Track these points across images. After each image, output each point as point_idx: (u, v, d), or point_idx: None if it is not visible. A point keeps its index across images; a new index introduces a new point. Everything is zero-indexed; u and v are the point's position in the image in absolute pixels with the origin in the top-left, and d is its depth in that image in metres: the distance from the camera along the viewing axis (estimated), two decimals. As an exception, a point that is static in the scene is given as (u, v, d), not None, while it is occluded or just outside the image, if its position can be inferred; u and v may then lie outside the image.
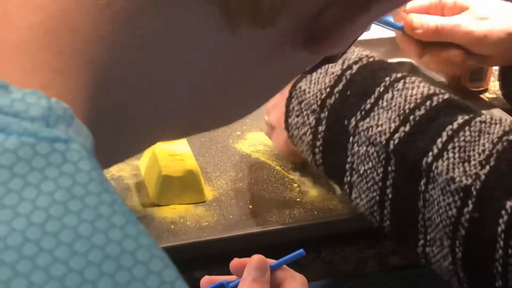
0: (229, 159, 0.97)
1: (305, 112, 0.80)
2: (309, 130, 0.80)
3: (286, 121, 0.83)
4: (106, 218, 0.27)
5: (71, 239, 0.26)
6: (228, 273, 0.78)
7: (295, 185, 0.92)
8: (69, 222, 0.26)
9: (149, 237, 0.27)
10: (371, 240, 0.84)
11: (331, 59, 0.38)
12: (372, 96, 0.76)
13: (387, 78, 0.77)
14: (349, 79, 0.78)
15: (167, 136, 0.39)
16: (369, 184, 0.74)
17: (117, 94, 0.32)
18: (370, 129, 0.74)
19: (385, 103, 0.75)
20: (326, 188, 0.91)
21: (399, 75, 0.78)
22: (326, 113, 0.78)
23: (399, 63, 1.19)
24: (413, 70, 1.17)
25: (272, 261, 0.70)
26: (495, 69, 1.23)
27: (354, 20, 0.34)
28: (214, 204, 0.87)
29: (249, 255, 0.79)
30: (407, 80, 0.77)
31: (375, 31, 1.29)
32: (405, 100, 0.75)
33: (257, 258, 0.69)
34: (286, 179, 0.93)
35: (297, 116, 0.81)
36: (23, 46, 0.29)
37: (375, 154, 0.73)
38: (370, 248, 0.84)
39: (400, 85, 0.76)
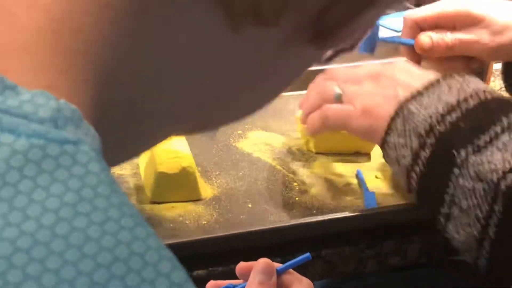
0: (230, 158, 0.96)
1: (408, 134, 0.77)
2: (410, 153, 0.77)
3: (384, 139, 0.80)
4: (115, 220, 0.27)
5: (80, 241, 0.26)
6: (228, 271, 0.78)
7: (295, 184, 0.92)
8: (78, 224, 0.26)
9: (157, 239, 0.27)
10: (371, 240, 0.84)
11: (344, 50, 0.38)
12: (487, 134, 0.74)
13: (504, 119, 0.74)
14: (464, 112, 0.76)
15: (176, 132, 0.39)
16: (471, 220, 0.72)
17: (123, 94, 0.32)
18: (482, 165, 0.72)
19: (500, 144, 0.73)
20: (326, 188, 0.91)
21: None
22: (433, 139, 0.75)
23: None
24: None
25: (278, 265, 0.70)
26: (495, 68, 1.23)
27: (361, 15, 0.34)
28: (213, 202, 0.87)
29: (248, 254, 0.79)
30: None
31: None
32: None
33: (263, 261, 0.69)
34: (286, 178, 0.93)
35: (399, 136, 0.78)
36: (30, 46, 0.29)
37: (482, 191, 0.71)
38: (370, 248, 0.84)
39: None
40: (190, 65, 0.33)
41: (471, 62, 1.03)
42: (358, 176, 0.92)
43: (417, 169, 0.76)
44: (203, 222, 0.83)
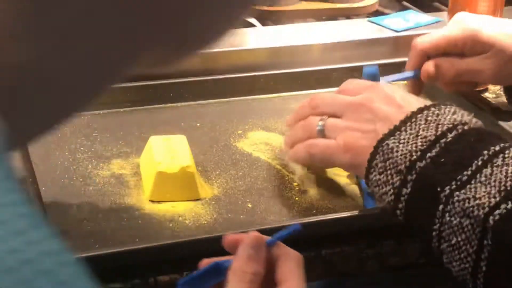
0: (230, 158, 0.96)
1: (389, 171, 0.77)
2: (391, 190, 0.77)
3: (366, 177, 0.80)
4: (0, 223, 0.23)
5: None
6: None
7: (294, 184, 0.91)
8: None
9: (57, 242, 0.24)
10: (371, 240, 0.84)
11: None
12: (469, 169, 0.73)
13: (485, 152, 0.74)
14: (444, 147, 0.76)
15: (126, 73, 0.33)
16: (462, 255, 0.73)
17: (15, 56, 0.28)
18: (467, 201, 0.72)
19: (483, 178, 0.73)
20: (326, 188, 0.91)
21: (497, 148, 0.75)
22: (414, 176, 0.75)
23: (402, 63, 1.19)
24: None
25: (268, 238, 0.67)
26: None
27: None
28: (213, 202, 0.87)
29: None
30: (506, 154, 0.75)
31: (375, 31, 1.29)
32: (506, 177, 0.73)
33: (252, 235, 0.66)
34: (286, 178, 0.93)
35: (380, 173, 0.78)
36: None
37: (469, 226, 0.72)
38: (370, 248, 0.84)
39: (499, 160, 0.74)
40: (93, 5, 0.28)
41: (478, 84, 1.04)
42: (358, 176, 0.92)
43: (400, 205, 0.77)
44: (203, 222, 0.83)
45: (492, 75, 0.98)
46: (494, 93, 1.17)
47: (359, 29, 1.29)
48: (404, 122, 0.78)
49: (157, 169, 0.86)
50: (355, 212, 0.85)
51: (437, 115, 0.79)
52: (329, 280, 0.89)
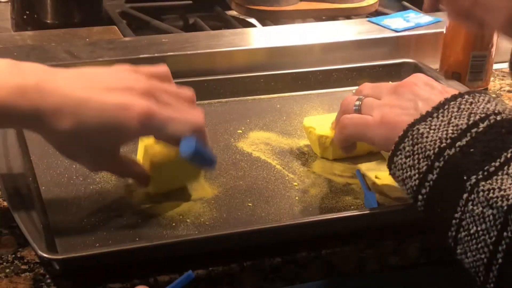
0: (230, 158, 0.97)
1: (416, 156, 0.77)
2: (417, 175, 0.77)
3: (391, 158, 0.80)
4: None
5: None
6: (228, 271, 0.78)
7: (295, 184, 0.92)
8: None
9: None
10: (371, 240, 0.84)
11: None
12: (498, 160, 0.73)
13: None
14: (474, 137, 0.75)
15: None
16: (479, 245, 0.72)
17: None
18: (492, 191, 0.71)
19: (510, 170, 0.72)
20: (326, 188, 0.91)
21: None
22: (442, 163, 0.75)
23: (402, 64, 1.19)
24: (416, 69, 1.16)
25: None
26: (495, 68, 1.23)
27: None
28: (213, 202, 0.87)
29: (247, 254, 0.79)
30: None
31: (375, 31, 1.29)
32: None
33: None
34: (286, 178, 0.93)
35: (406, 157, 0.78)
36: None
37: (491, 216, 0.71)
38: (370, 248, 0.84)
39: None
40: None
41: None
42: (358, 176, 0.92)
43: (423, 191, 0.76)
44: (203, 221, 0.83)
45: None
46: (494, 93, 1.17)
47: (359, 29, 1.29)
48: (437, 108, 0.78)
49: (152, 159, 0.85)
50: (355, 212, 0.85)
51: (471, 103, 0.78)
52: (329, 280, 0.89)
